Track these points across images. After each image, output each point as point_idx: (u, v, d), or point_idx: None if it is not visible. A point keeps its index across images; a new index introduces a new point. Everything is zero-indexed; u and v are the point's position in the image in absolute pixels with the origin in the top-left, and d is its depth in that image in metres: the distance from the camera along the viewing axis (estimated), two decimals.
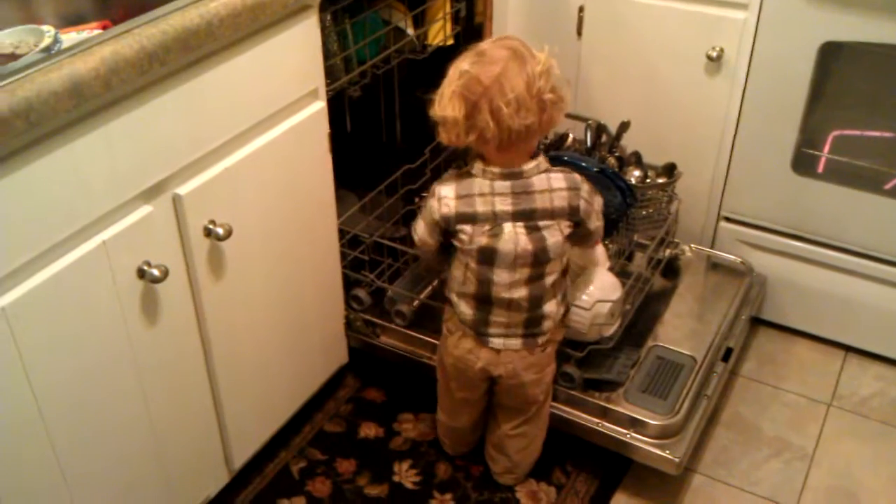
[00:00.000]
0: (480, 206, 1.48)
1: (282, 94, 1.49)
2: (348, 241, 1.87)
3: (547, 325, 1.56)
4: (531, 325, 1.55)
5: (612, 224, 1.84)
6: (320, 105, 1.59)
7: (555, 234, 1.48)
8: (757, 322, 2.16)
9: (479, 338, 1.57)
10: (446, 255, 1.59)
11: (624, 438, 1.69)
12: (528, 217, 1.47)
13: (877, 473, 1.82)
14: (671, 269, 2.06)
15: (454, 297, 1.59)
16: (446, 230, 1.51)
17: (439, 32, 1.92)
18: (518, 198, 1.47)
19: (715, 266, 2.11)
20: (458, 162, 2.03)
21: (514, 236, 1.47)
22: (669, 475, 1.69)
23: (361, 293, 1.90)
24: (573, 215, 1.50)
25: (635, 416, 1.69)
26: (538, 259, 1.49)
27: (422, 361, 1.85)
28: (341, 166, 1.71)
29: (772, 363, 2.09)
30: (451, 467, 1.80)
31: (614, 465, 1.79)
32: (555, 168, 1.51)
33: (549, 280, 1.52)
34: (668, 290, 2.02)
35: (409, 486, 1.77)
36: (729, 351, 1.90)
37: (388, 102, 2.13)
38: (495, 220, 1.47)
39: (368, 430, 1.89)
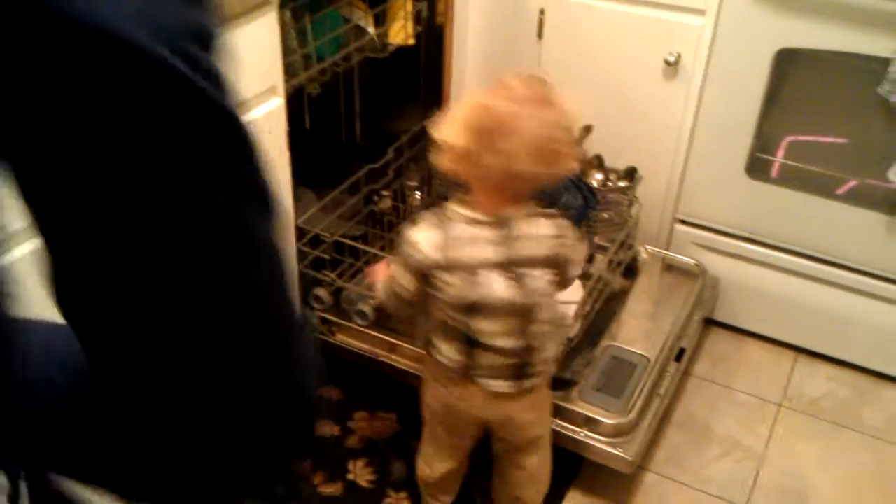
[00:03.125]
0: (462, 255, 1.34)
1: (239, 89, 1.47)
2: (309, 240, 1.86)
3: (536, 368, 1.44)
4: (522, 369, 1.43)
5: (574, 226, 1.86)
6: (279, 102, 1.59)
7: (540, 284, 1.37)
8: (710, 323, 2.19)
9: (466, 379, 1.44)
10: (422, 300, 1.42)
11: (578, 437, 1.71)
12: (511, 266, 1.35)
13: (826, 473, 1.85)
14: (628, 270, 2.08)
15: (434, 340, 1.45)
16: (426, 276, 1.37)
17: (400, 32, 1.92)
18: (501, 245, 1.34)
19: (669, 267, 2.14)
20: (420, 164, 2.03)
21: (492, 285, 1.35)
22: (622, 473, 1.71)
23: (322, 293, 1.90)
24: (557, 264, 1.39)
25: (589, 414, 1.71)
26: (521, 310, 1.37)
27: (378, 360, 1.85)
28: (300, 164, 1.71)
29: (724, 363, 2.12)
30: (406, 466, 1.80)
31: (567, 463, 1.80)
32: (542, 212, 1.39)
33: (538, 328, 1.40)
34: (624, 291, 2.04)
35: (363, 484, 1.77)
36: (682, 351, 1.93)
37: (347, 101, 2.13)
38: (476, 268, 1.34)
39: (323, 429, 1.88)
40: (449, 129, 1.30)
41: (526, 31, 2.08)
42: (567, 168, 1.34)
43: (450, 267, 1.35)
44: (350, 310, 1.89)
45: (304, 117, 1.85)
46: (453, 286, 1.35)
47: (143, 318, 0.45)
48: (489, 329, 1.38)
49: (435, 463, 1.61)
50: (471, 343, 1.39)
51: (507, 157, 1.25)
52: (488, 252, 1.34)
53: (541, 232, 1.36)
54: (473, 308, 1.36)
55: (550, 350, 1.47)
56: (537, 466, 1.60)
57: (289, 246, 1.74)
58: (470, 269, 1.34)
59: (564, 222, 1.41)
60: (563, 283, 1.45)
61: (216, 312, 0.46)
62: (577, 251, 1.44)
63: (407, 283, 1.39)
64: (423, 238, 1.35)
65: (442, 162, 1.33)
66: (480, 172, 1.29)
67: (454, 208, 1.36)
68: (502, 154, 1.25)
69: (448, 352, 1.43)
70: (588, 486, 1.79)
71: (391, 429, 1.84)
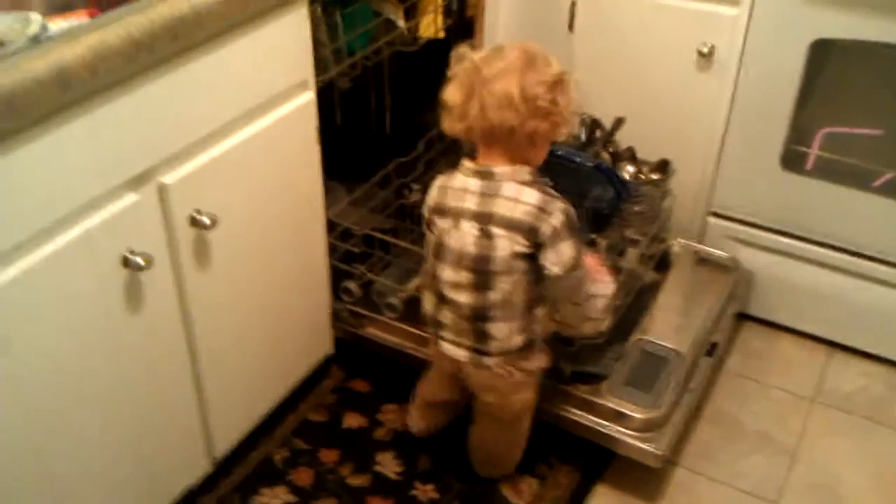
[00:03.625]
0: (451, 201, 1.48)
1: (270, 84, 1.49)
2: (340, 233, 1.87)
3: (494, 346, 1.51)
4: (477, 339, 1.51)
5: (605, 219, 1.85)
6: (309, 96, 1.59)
7: (505, 247, 1.43)
8: (743, 317, 2.17)
9: (436, 337, 1.56)
10: None
11: (607, 431, 1.70)
12: (484, 221, 1.44)
13: (859, 469, 1.83)
14: (660, 264, 2.07)
15: (424, 290, 1.58)
16: (429, 221, 1.52)
17: (430, 25, 1.92)
18: (483, 199, 1.44)
19: (702, 261, 2.12)
20: (451, 157, 2.03)
21: (462, 236, 1.45)
22: (651, 468, 1.70)
23: (352, 285, 1.90)
24: (532, 235, 1.43)
25: (619, 409, 1.70)
26: (479, 266, 1.45)
27: (408, 353, 1.86)
28: (330, 158, 1.71)
29: (756, 358, 2.10)
30: (433, 458, 1.81)
31: (597, 457, 1.80)
32: (539, 187, 1.45)
33: (496, 296, 1.46)
34: (655, 285, 2.02)
35: (391, 476, 1.78)
36: (714, 346, 1.91)
37: (378, 95, 2.13)
38: (459, 216, 1.46)
39: (352, 421, 1.89)
40: (448, 90, 1.45)
41: (557, 24, 2.06)
42: (554, 125, 1.43)
43: (441, 211, 1.49)
44: (380, 303, 1.90)
45: (334, 111, 1.86)
46: (439, 229, 1.49)
47: None
48: (448, 279, 1.48)
49: (426, 385, 1.77)
50: (440, 297, 1.51)
51: (482, 110, 1.39)
52: (469, 202, 1.45)
53: (522, 197, 1.43)
54: (440, 253, 1.49)
55: (505, 332, 1.49)
56: (493, 442, 1.70)
57: (319, 239, 1.75)
58: (454, 216, 1.46)
59: (558, 203, 1.44)
60: (537, 261, 1.46)
61: None
62: (557, 233, 1.43)
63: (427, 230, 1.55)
64: (434, 185, 1.52)
65: (445, 122, 1.47)
66: (467, 125, 1.43)
67: (463, 161, 1.49)
68: (482, 105, 1.39)
69: (427, 302, 1.56)
70: (617, 480, 1.78)
71: None
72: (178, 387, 1.50)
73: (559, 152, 1.81)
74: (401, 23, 1.84)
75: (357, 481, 1.76)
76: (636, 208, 1.96)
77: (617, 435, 1.70)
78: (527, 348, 1.54)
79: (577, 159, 1.79)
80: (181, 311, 1.45)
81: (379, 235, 1.89)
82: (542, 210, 1.43)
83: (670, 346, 1.85)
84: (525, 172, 1.45)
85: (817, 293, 2.07)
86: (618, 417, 1.71)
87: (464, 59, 1.44)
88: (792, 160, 1.98)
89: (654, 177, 1.99)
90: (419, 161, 1.99)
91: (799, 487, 1.79)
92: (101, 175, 1.22)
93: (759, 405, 1.97)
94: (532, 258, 1.45)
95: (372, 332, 1.91)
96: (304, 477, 1.77)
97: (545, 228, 1.42)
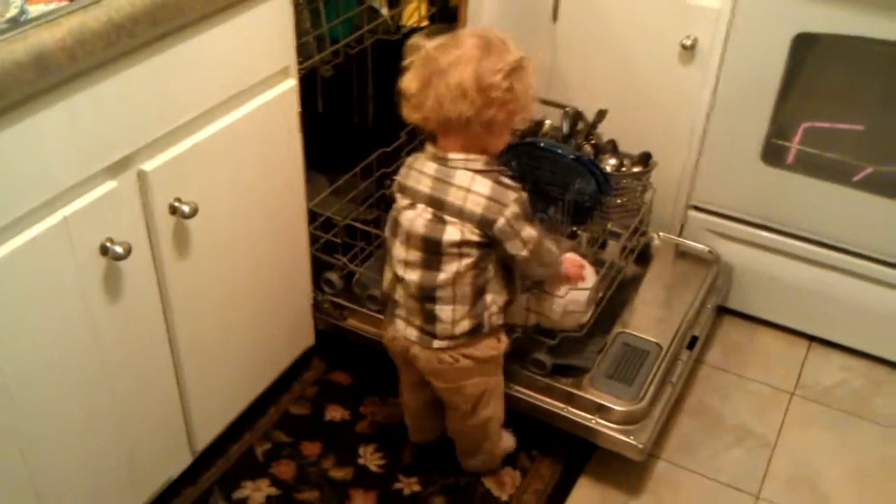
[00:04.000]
0: (411, 182, 1.49)
1: (252, 70, 1.47)
2: (321, 223, 1.85)
3: (440, 329, 1.50)
4: (425, 320, 1.51)
5: (587, 212, 1.84)
6: (291, 83, 1.57)
7: (454, 234, 1.44)
8: (723, 311, 2.18)
9: (391, 316, 1.57)
10: None
11: (589, 424, 1.70)
12: (437, 206, 1.45)
13: (838, 462, 1.84)
14: (641, 257, 2.07)
15: (385, 268, 1.59)
16: (393, 198, 1.54)
17: (414, 14, 1.90)
18: (436, 183, 1.45)
19: (683, 254, 2.12)
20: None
21: (415, 217, 1.46)
22: (633, 461, 1.70)
23: (333, 276, 1.89)
24: (484, 226, 1.43)
25: (600, 401, 1.70)
26: (428, 247, 1.46)
27: (388, 348, 1.84)
28: (312, 148, 1.70)
29: (736, 352, 2.10)
30: (416, 451, 1.80)
31: (579, 450, 1.80)
32: (493, 176, 1.44)
33: (443, 277, 1.46)
34: (636, 278, 2.02)
35: (374, 469, 1.76)
36: (694, 339, 1.92)
37: (360, 83, 2.11)
38: (415, 197, 1.48)
39: (334, 413, 1.88)
40: (405, 78, 1.44)
41: (541, 14, 2.06)
42: (509, 114, 1.41)
43: (402, 189, 1.50)
44: (362, 294, 1.88)
45: (316, 100, 1.84)
46: (397, 207, 1.50)
47: None
48: (399, 256, 1.50)
49: (403, 394, 1.75)
50: (395, 276, 1.52)
51: (438, 101, 1.38)
52: (424, 185, 1.46)
53: (473, 187, 1.43)
54: (395, 230, 1.50)
55: (450, 315, 1.49)
56: (460, 432, 1.69)
57: (300, 229, 1.73)
58: (412, 196, 1.48)
59: (510, 194, 1.44)
60: (515, 261, 1.49)
61: None
62: (513, 223, 1.44)
63: None
64: (405, 163, 1.53)
65: (403, 110, 1.45)
66: (423, 115, 1.42)
67: (426, 144, 1.49)
68: (437, 96, 1.38)
69: (385, 280, 1.57)
70: (599, 473, 1.78)
71: (402, 414, 1.83)
72: (158, 377, 1.48)
73: (541, 144, 1.80)
74: (384, 11, 1.83)
75: (340, 474, 1.75)
76: (618, 201, 1.95)
77: (598, 427, 1.70)
78: (474, 334, 1.53)
79: (559, 151, 1.78)
80: (161, 301, 1.43)
81: (360, 226, 1.88)
82: (494, 201, 1.43)
83: (651, 339, 1.85)
84: (479, 161, 1.44)
85: (797, 287, 2.07)
86: (599, 410, 1.70)
87: (418, 49, 1.43)
88: (773, 154, 1.99)
89: (636, 169, 1.98)
90: (401, 151, 1.97)
91: (779, 480, 1.80)
92: (80, 161, 1.20)
93: (739, 398, 1.98)
94: (484, 246, 1.46)
95: (353, 323, 1.90)
96: (286, 470, 1.75)
97: (500, 222, 1.43)
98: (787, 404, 1.97)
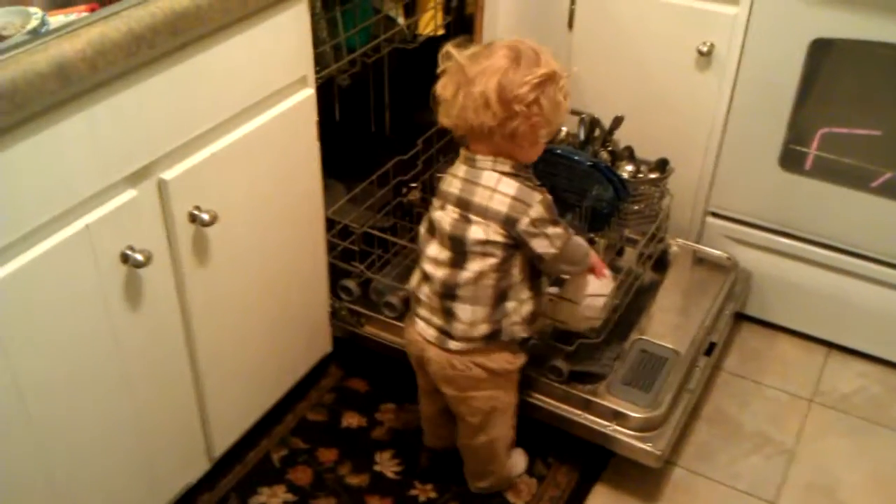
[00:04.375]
0: (444, 185, 1.52)
1: (270, 80, 1.48)
2: (339, 231, 1.86)
3: (458, 328, 1.51)
4: (445, 319, 1.52)
5: (604, 218, 1.85)
6: (309, 92, 1.59)
7: (478, 232, 1.45)
8: (741, 317, 2.17)
9: (413, 315, 1.58)
10: None
11: (606, 431, 1.70)
12: (464, 207, 1.47)
13: (856, 470, 1.83)
14: (658, 264, 2.07)
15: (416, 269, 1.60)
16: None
17: (430, 22, 1.91)
18: (465, 185, 1.47)
19: (700, 261, 2.12)
20: (450, 156, 2.03)
21: (443, 216, 1.49)
22: (650, 468, 1.70)
23: (351, 284, 1.90)
24: (508, 226, 1.44)
25: (618, 408, 1.70)
26: (455, 245, 1.48)
27: (406, 351, 1.85)
28: (329, 156, 1.71)
29: (755, 359, 2.09)
30: (432, 458, 1.80)
31: (595, 457, 1.80)
32: (520, 179, 1.45)
33: (466, 275, 1.47)
34: (653, 284, 2.02)
35: (390, 475, 1.77)
36: (712, 345, 1.91)
37: (377, 92, 2.12)
38: (446, 199, 1.50)
39: (351, 420, 1.89)
40: (440, 83, 1.46)
41: (556, 22, 2.06)
42: (532, 128, 1.41)
43: (438, 193, 1.54)
44: (378, 301, 1.89)
45: (333, 108, 1.85)
46: (433, 207, 1.53)
47: None
48: (431, 254, 1.52)
49: (420, 402, 1.74)
50: (424, 274, 1.54)
51: (463, 109, 1.41)
52: (455, 187, 1.49)
53: (499, 187, 1.45)
54: (431, 229, 1.53)
55: (469, 315, 1.50)
56: (467, 447, 1.68)
57: (318, 237, 1.74)
58: (444, 198, 1.51)
59: (536, 195, 1.46)
60: (512, 251, 1.48)
61: None
62: (539, 223, 1.45)
63: None
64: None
65: (439, 115, 1.48)
66: (453, 122, 1.45)
67: (462, 149, 1.51)
68: (462, 106, 1.41)
69: (413, 278, 1.59)
70: (616, 480, 1.78)
71: (418, 421, 1.83)
72: (177, 385, 1.49)
73: (558, 151, 1.80)
74: (400, 20, 1.83)
75: (356, 480, 1.75)
76: (635, 207, 1.96)
77: (615, 435, 1.69)
78: (491, 341, 1.53)
79: (576, 158, 1.79)
80: (180, 308, 1.44)
81: (378, 234, 1.89)
82: (520, 201, 1.44)
83: (669, 345, 1.84)
84: (507, 164, 1.46)
85: (815, 293, 2.07)
86: (616, 417, 1.70)
87: (451, 58, 1.44)
88: (791, 160, 1.98)
89: (653, 176, 1.98)
90: (418, 159, 1.98)
91: (797, 487, 1.79)
92: (100, 170, 1.21)
93: (758, 405, 1.97)
94: (508, 248, 1.47)
95: (370, 330, 1.90)
96: (302, 476, 1.76)
97: (524, 222, 1.44)
98: (805, 411, 1.96)
